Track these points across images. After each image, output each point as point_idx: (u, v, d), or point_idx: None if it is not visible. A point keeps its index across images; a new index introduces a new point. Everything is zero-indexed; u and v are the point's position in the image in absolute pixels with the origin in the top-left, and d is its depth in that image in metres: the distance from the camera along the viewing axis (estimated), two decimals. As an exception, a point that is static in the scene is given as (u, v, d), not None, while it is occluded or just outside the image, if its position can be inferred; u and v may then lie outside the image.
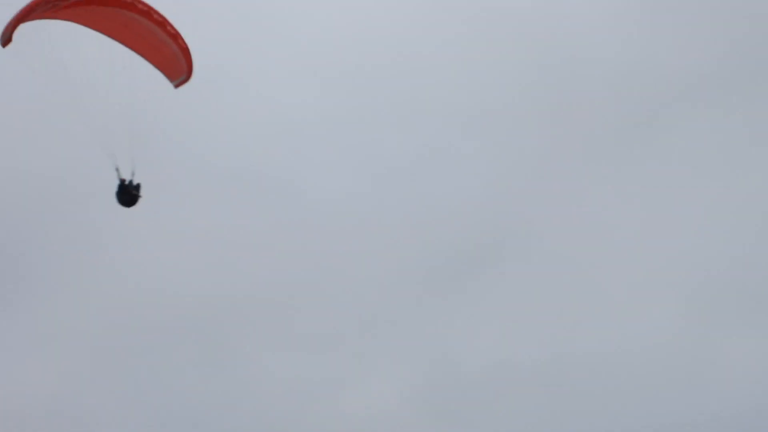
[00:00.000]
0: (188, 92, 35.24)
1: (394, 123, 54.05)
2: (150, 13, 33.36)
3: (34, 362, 48.90)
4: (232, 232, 51.22)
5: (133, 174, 33.97)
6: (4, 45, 31.95)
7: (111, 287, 49.76)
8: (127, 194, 33.79)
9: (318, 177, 53.16)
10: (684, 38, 53.93)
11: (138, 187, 33.96)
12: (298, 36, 54.48)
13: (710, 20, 53.88)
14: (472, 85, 54.85)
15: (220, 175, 52.25)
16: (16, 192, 50.52)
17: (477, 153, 54.11)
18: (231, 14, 52.01)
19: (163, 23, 33.62)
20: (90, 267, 50.33)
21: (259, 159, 52.87)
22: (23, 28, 32.13)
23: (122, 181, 33.86)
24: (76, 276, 50.05)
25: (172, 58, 34.34)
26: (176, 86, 35.14)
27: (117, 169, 33.85)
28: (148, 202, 33.94)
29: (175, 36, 33.89)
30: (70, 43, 32.89)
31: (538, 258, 52.12)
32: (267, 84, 54.04)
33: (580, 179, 53.32)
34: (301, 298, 50.46)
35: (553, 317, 50.38)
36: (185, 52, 34.17)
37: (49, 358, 48.73)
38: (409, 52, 54.65)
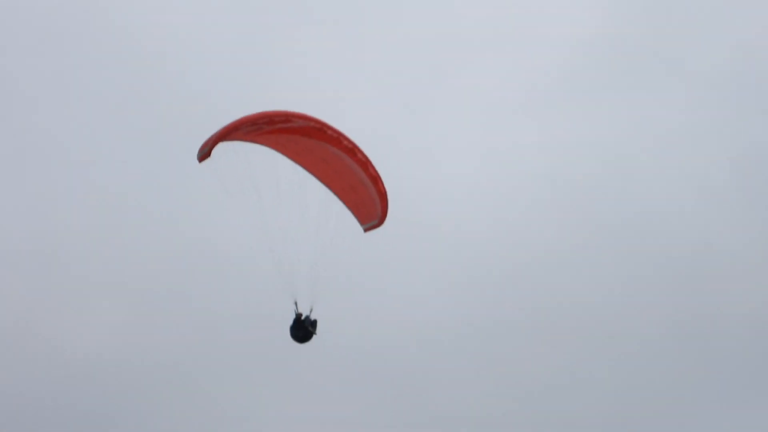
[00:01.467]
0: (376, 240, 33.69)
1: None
2: (354, 152, 31.94)
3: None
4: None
5: (311, 310, 32.30)
6: (201, 160, 31.00)
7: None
8: (302, 329, 32.06)
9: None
10: None
11: (314, 323, 32.23)
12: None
13: None
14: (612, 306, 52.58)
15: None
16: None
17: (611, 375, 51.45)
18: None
19: (365, 164, 32.17)
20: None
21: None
22: (222, 147, 31.27)
23: (299, 316, 32.24)
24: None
25: (368, 201, 32.86)
26: (366, 230, 33.61)
27: (296, 303, 32.34)
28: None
29: (375, 179, 32.38)
30: (266, 168, 31.94)
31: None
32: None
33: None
34: None
35: None
36: (382, 196, 32.47)
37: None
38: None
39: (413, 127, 55.56)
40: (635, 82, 55.46)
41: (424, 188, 52.19)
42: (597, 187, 54.59)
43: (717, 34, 55.11)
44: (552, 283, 53.45)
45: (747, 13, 55.06)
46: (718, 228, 53.34)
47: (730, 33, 55.07)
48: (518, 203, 54.55)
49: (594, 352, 51.05)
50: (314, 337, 32.19)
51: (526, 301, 52.38)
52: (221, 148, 30.98)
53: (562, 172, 54.93)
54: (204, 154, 30.76)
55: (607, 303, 52.46)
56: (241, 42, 56.43)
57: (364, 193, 32.73)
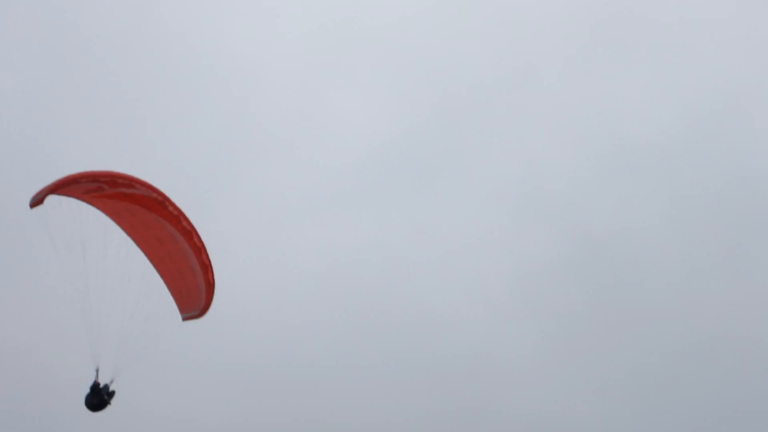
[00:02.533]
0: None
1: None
2: (191, 235, 30.69)
3: None
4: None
5: (111, 381, 30.77)
6: (33, 206, 29.47)
7: None
8: (98, 396, 30.54)
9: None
10: None
11: (112, 394, 30.73)
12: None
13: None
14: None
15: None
16: None
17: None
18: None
19: (200, 250, 31.05)
20: None
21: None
22: (57, 199, 29.88)
23: (96, 384, 30.77)
24: None
25: (194, 290, 31.75)
26: (184, 320, 32.39)
27: (97, 370, 30.92)
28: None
29: (207, 267, 31.29)
30: (97, 230, 30.66)
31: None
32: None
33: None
34: None
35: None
36: (210, 287, 31.26)
37: None
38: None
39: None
40: (425, 190, 56.46)
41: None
42: (381, 290, 54.90)
43: (504, 148, 56.97)
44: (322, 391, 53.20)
45: (532, 130, 57.19)
46: (497, 337, 54.40)
47: (517, 148, 56.99)
48: (300, 305, 54.29)
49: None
50: (108, 407, 30.95)
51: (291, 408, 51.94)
52: (56, 199, 29.73)
53: (344, 274, 55.05)
54: (36, 200, 29.12)
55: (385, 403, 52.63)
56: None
57: (191, 281, 31.51)
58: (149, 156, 54.82)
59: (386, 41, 58.41)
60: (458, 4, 58.24)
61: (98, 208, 30.51)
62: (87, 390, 30.84)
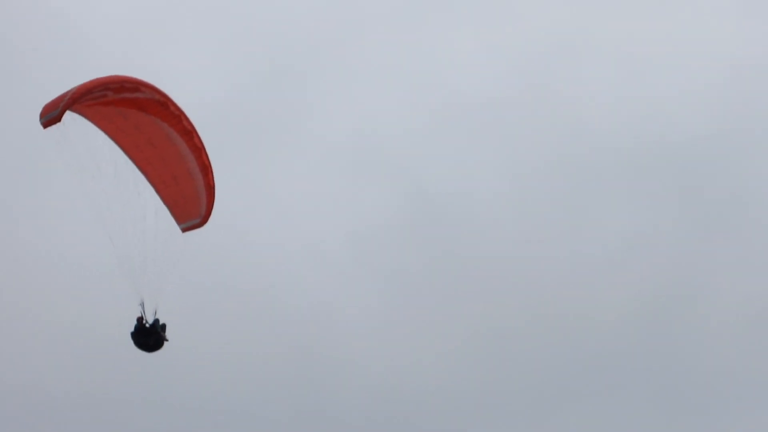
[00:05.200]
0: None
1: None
2: (191, 135, 28.66)
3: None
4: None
5: (155, 313, 28.09)
6: (48, 125, 26.42)
7: None
8: (153, 335, 27.71)
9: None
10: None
11: (164, 327, 27.96)
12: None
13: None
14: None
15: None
16: None
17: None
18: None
19: (199, 150, 28.92)
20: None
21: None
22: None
23: (141, 321, 27.84)
24: None
25: (191, 196, 29.32)
26: (184, 230, 29.83)
27: (142, 305, 27.97)
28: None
29: (207, 168, 29.13)
30: (94, 150, 27.91)
31: None
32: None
33: None
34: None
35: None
36: (210, 190, 29.25)
37: None
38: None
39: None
40: (258, 152, 55.10)
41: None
42: (219, 257, 53.01)
43: (338, 106, 56.40)
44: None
45: (365, 87, 56.77)
46: (336, 296, 53.78)
47: (351, 105, 56.49)
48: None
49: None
50: (165, 344, 28.11)
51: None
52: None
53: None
54: (53, 117, 26.20)
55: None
56: None
57: (187, 186, 29.34)
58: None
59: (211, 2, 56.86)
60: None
61: (85, 115, 27.89)
62: (131, 330, 27.92)
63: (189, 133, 28.58)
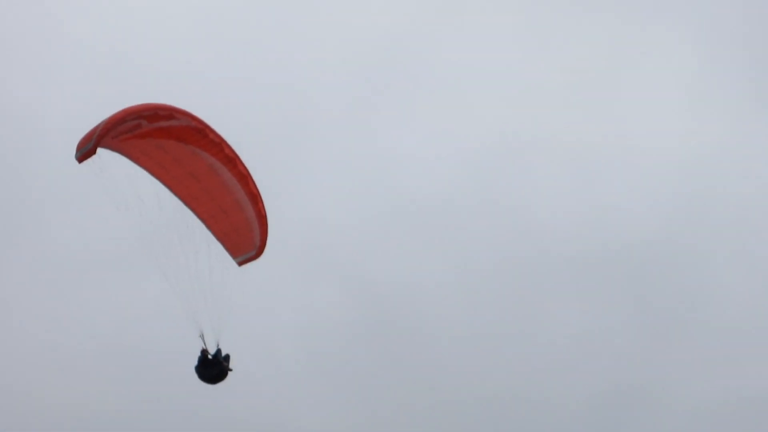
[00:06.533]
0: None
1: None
2: (234, 162, 27.21)
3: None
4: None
5: (217, 344, 26.69)
6: (83, 159, 25.02)
7: None
8: (217, 366, 26.38)
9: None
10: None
11: (227, 358, 26.67)
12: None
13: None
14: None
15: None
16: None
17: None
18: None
19: (245, 178, 27.45)
20: None
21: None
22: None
23: (204, 352, 26.43)
24: None
25: (243, 227, 27.90)
26: (240, 264, 28.30)
27: (202, 336, 26.36)
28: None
29: (255, 197, 27.66)
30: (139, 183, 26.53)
31: None
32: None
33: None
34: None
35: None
36: (262, 219, 27.75)
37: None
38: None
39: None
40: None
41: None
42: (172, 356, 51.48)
43: (286, 203, 55.30)
44: None
45: (311, 184, 55.94)
46: (290, 398, 52.60)
47: (298, 203, 55.47)
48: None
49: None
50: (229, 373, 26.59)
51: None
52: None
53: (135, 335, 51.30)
54: (88, 150, 24.86)
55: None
56: None
57: (237, 218, 27.88)
58: None
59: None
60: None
61: (122, 152, 26.52)
62: (196, 363, 26.64)
63: (232, 160, 27.17)
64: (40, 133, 54.02)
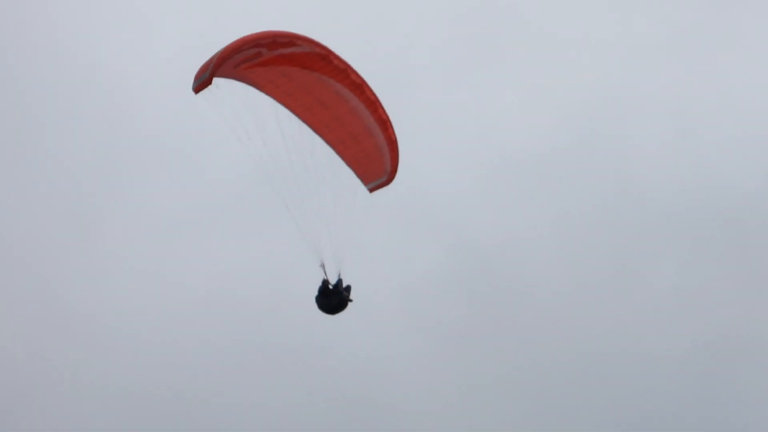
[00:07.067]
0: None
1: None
2: (362, 88, 26.67)
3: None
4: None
5: (338, 275, 26.75)
6: (199, 89, 24.91)
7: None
8: (337, 296, 26.41)
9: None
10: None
11: (348, 289, 26.66)
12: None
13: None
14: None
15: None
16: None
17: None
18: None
19: (374, 104, 26.89)
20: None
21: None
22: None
23: (326, 283, 26.62)
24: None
25: (373, 154, 27.90)
26: (371, 190, 28.41)
27: (323, 266, 26.70)
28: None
29: (385, 122, 27.18)
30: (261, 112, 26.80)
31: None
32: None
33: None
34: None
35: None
36: (393, 144, 27.39)
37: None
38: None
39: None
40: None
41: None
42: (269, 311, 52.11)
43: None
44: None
45: (411, 139, 56.15)
46: (385, 349, 53.06)
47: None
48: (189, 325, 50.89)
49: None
50: (350, 304, 26.81)
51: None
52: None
53: (234, 293, 52.05)
54: (204, 80, 24.71)
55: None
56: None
57: (368, 144, 27.66)
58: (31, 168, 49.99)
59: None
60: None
61: (246, 80, 26.62)
62: (315, 293, 26.65)
63: (359, 86, 26.71)
64: (140, 88, 54.92)
